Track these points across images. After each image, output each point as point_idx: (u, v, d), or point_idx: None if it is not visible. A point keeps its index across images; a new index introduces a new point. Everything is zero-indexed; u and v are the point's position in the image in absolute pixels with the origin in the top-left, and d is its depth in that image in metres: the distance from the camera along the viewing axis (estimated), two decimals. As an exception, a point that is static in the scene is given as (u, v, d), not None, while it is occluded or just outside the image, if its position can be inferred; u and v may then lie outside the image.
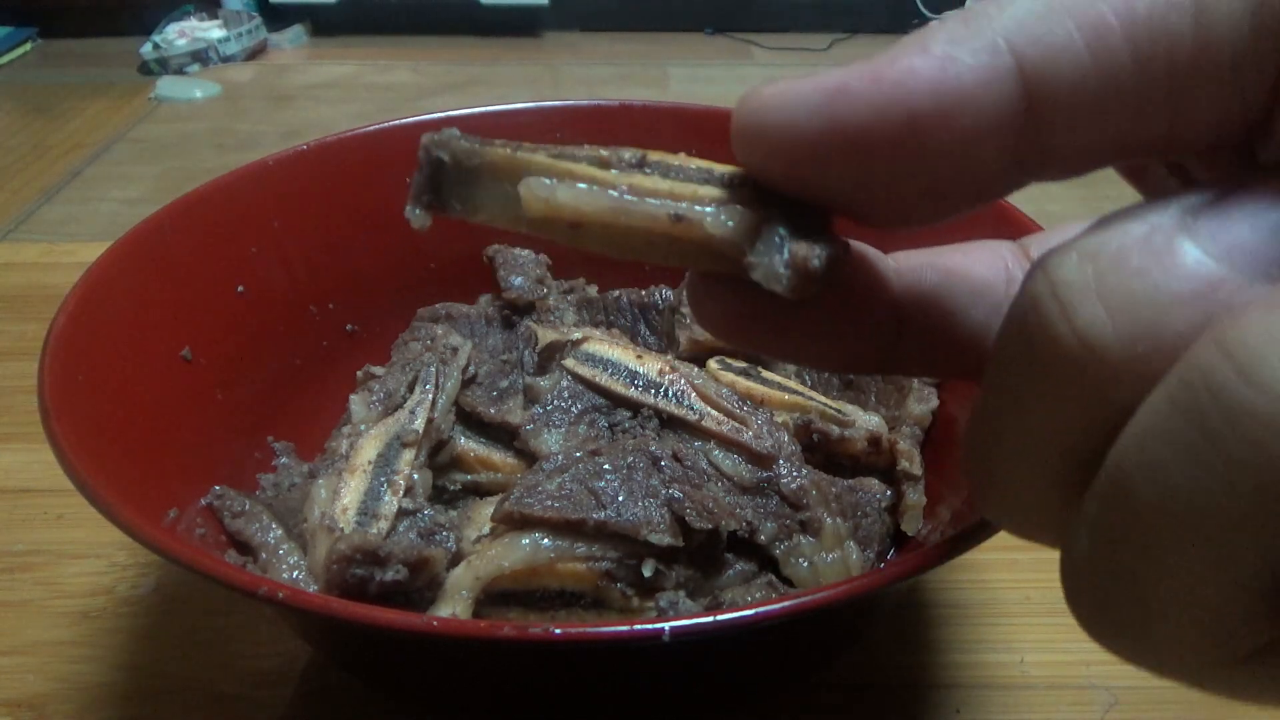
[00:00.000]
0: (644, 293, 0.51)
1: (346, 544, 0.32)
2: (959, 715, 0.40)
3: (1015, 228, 0.40)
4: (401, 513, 0.36)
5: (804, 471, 0.38)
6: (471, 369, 0.44)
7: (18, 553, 0.48)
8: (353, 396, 0.41)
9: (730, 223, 0.19)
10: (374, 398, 0.40)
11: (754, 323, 0.21)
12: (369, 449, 0.38)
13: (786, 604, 0.25)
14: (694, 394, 0.40)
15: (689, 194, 0.19)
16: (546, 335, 0.45)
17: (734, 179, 0.19)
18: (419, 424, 0.39)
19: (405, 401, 0.40)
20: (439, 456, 0.41)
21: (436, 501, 0.41)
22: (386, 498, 0.36)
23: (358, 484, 0.37)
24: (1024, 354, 0.16)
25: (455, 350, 0.43)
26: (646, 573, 0.33)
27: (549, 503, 0.34)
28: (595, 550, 0.33)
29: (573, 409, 0.41)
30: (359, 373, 0.45)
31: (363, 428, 0.39)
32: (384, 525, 0.35)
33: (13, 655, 0.42)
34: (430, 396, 0.40)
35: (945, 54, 0.16)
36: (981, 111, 0.16)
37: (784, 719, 0.39)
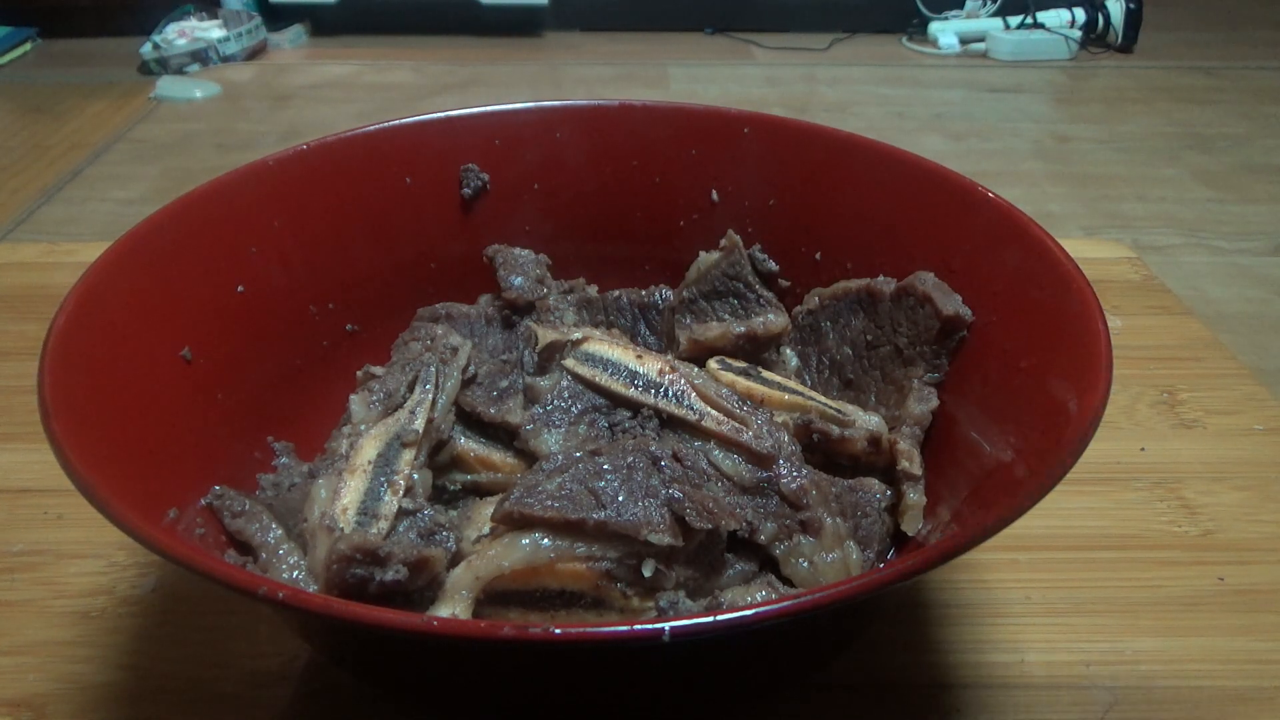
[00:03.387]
0: (644, 293, 0.51)
1: (346, 544, 0.32)
2: (959, 715, 0.40)
3: (1016, 227, 0.40)
4: (401, 513, 0.36)
5: (804, 471, 0.38)
6: (471, 369, 0.44)
7: (18, 553, 0.48)
8: (353, 396, 0.41)
9: None
10: (374, 398, 0.40)
11: None
12: (369, 449, 0.38)
13: (786, 604, 0.25)
14: (694, 394, 0.40)
15: None
16: (546, 335, 0.45)
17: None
18: (419, 424, 0.39)
19: (405, 401, 0.40)
20: (439, 456, 0.41)
21: (436, 501, 0.41)
22: (386, 498, 0.36)
23: (358, 484, 0.37)
24: None
25: (455, 350, 0.43)
26: (646, 573, 0.33)
27: (549, 503, 0.34)
28: (595, 550, 0.33)
29: (573, 409, 0.41)
30: (359, 373, 0.45)
31: (363, 428, 0.39)
32: (384, 525, 0.35)
33: (13, 655, 0.42)
34: (430, 396, 0.40)
35: None
36: None
37: (784, 719, 0.39)
